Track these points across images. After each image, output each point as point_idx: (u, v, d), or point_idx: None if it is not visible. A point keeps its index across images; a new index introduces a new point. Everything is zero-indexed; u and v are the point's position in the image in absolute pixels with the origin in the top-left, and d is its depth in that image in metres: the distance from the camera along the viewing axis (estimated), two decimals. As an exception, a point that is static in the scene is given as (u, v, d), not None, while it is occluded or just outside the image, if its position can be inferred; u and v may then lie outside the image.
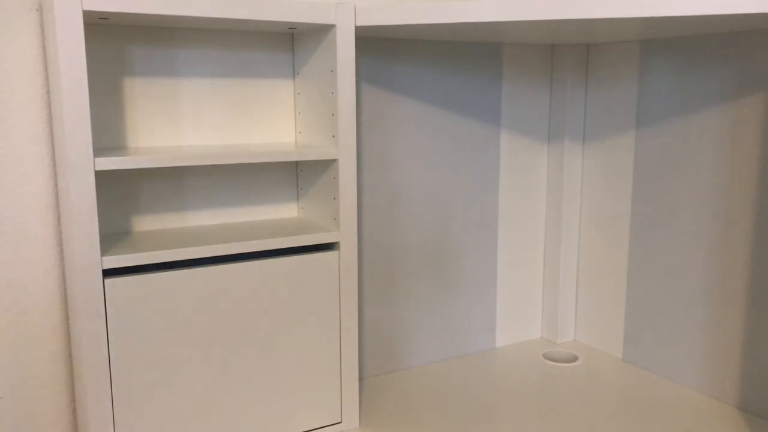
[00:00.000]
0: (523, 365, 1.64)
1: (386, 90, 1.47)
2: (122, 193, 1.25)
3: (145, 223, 1.28)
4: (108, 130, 1.23)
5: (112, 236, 1.21)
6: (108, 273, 1.10)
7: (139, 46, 1.23)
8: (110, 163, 1.07)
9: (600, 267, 1.69)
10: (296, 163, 1.40)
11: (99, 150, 1.16)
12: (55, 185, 1.20)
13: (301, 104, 1.37)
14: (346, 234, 1.27)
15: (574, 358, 1.67)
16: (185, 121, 1.30)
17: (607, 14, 1.08)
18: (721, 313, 1.41)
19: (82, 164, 1.03)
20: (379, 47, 1.44)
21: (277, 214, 1.41)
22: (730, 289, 1.39)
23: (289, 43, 1.37)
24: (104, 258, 1.06)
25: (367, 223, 1.50)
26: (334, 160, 1.26)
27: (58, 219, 1.21)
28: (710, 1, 1.03)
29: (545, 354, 1.70)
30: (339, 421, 1.33)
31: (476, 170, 1.63)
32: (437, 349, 1.65)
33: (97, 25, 1.16)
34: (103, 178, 1.07)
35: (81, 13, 0.99)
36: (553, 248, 1.74)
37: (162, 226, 1.30)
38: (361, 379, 1.52)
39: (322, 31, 1.25)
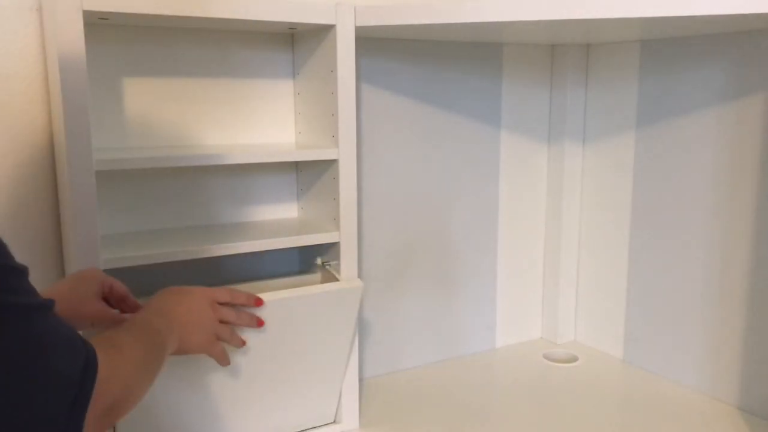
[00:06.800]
0: (523, 365, 1.64)
1: (386, 90, 1.47)
2: (122, 193, 1.25)
3: (145, 224, 1.28)
4: (108, 130, 1.23)
5: (112, 236, 1.21)
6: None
7: (139, 46, 1.23)
8: (110, 163, 1.07)
9: (600, 267, 1.69)
10: (296, 163, 1.40)
11: (99, 150, 1.16)
12: (55, 185, 1.20)
13: (301, 104, 1.37)
14: (346, 234, 1.27)
15: (574, 359, 1.67)
16: (185, 121, 1.30)
17: (607, 14, 1.08)
18: (721, 313, 1.41)
19: (82, 164, 1.03)
20: (379, 47, 1.44)
21: (277, 214, 1.41)
22: (730, 289, 1.39)
23: (289, 43, 1.37)
24: (104, 258, 1.06)
25: (367, 223, 1.49)
26: (334, 161, 1.26)
27: (58, 219, 1.21)
28: (710, 1, 1.03)
29: (545, 354, 1.70)
30: (339, 421, 1.33)
31: (476, 170, 1.63)
32: (437, 349, 1.65)
33: (97, 25, 1.16)
34: (103, 178, 1.07)
35: (81, 13, 0.99)
36: (553, 248, 1.74)
37: (162, 227, 1.29)
38: (360, 379, 1.52)
39: (321, 32, 1.25)
